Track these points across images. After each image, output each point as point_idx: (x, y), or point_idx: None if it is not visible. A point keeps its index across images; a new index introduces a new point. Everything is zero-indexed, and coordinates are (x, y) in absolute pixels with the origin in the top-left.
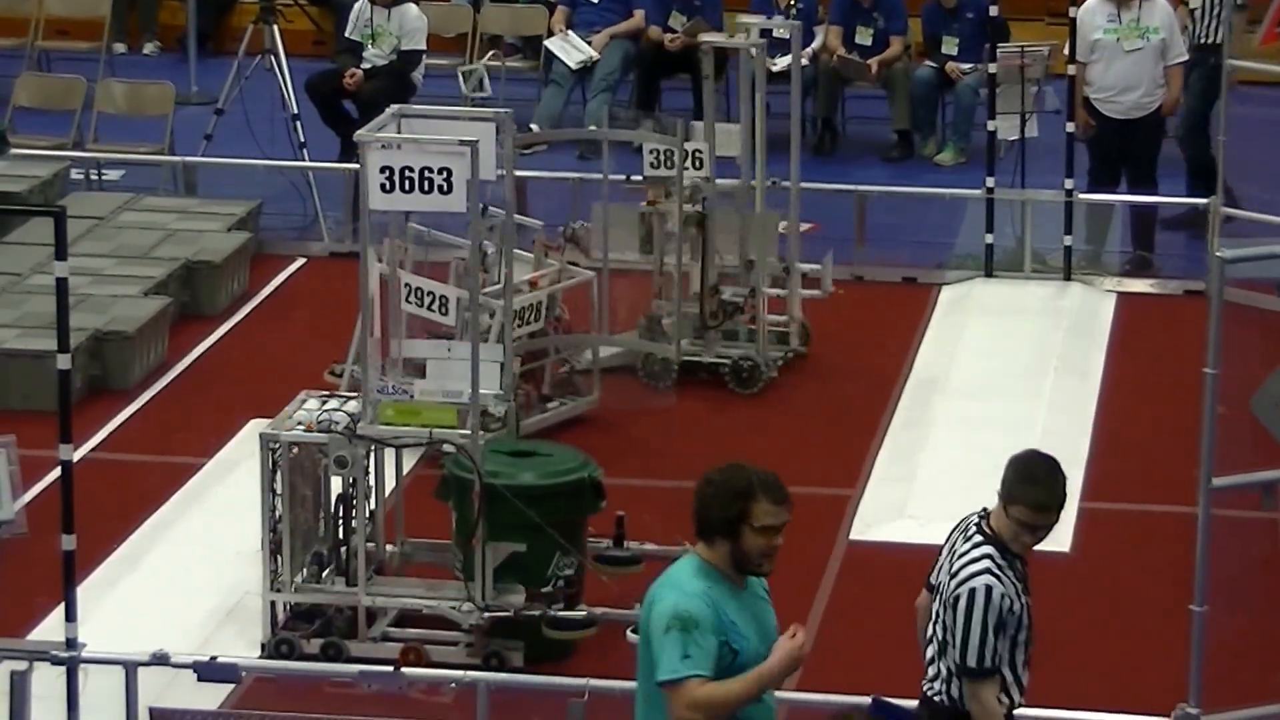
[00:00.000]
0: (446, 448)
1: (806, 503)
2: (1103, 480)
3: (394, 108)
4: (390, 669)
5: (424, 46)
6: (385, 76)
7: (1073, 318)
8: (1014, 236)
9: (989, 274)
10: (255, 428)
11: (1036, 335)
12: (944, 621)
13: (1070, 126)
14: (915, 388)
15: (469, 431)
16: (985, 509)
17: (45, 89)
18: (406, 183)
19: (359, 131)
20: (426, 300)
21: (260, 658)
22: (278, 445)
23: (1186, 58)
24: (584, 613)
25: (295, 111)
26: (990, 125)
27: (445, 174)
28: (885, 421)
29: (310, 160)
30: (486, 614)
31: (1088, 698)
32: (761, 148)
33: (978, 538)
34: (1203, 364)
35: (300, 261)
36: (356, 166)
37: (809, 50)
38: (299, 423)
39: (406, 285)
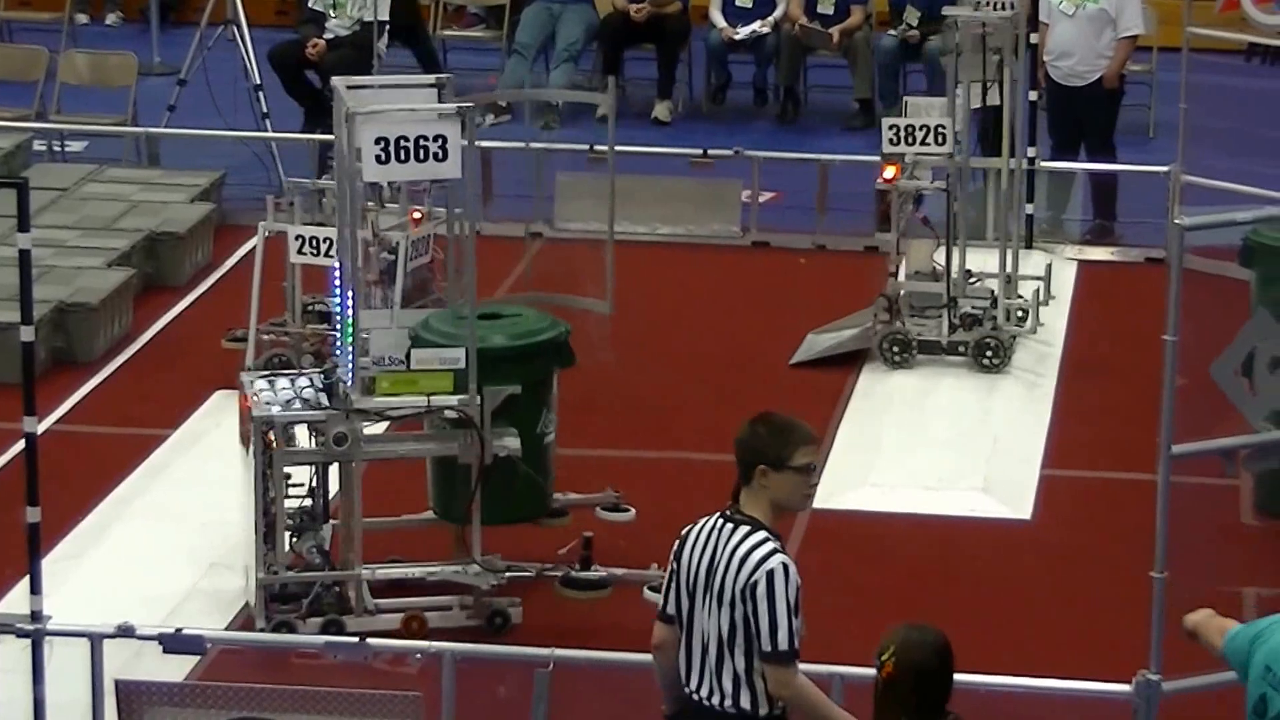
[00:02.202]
0: (448, 414)
1: None
2: (1063, 448)
3: (337, 81)
4: (355, 639)
5: (387, 17)
6: (348, 47)
7: (1033, 285)
8: (976, 205)
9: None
10: (220, 399)
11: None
12: (734, 619)
13: (1032, 95)
14: (878, 356)
15: (467, 395)
16: (726, 511)
17: (7, 60)
18: (402, 152)
19: (350, 107)
20: (322, 247)
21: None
22: (273, 427)
23: (1139, 30)
24: (601, 573)
25: (258, 82)
26: None
27: (440, 141)
28: (849, 390)
29: (273, 130)
30: (508, 574)
31: (1049, 665)
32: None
33: (744, 529)
34: (1163, 331)
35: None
36: (321, 137)
37: (771, 19)
38: (267, 404)
39: (298, 237)
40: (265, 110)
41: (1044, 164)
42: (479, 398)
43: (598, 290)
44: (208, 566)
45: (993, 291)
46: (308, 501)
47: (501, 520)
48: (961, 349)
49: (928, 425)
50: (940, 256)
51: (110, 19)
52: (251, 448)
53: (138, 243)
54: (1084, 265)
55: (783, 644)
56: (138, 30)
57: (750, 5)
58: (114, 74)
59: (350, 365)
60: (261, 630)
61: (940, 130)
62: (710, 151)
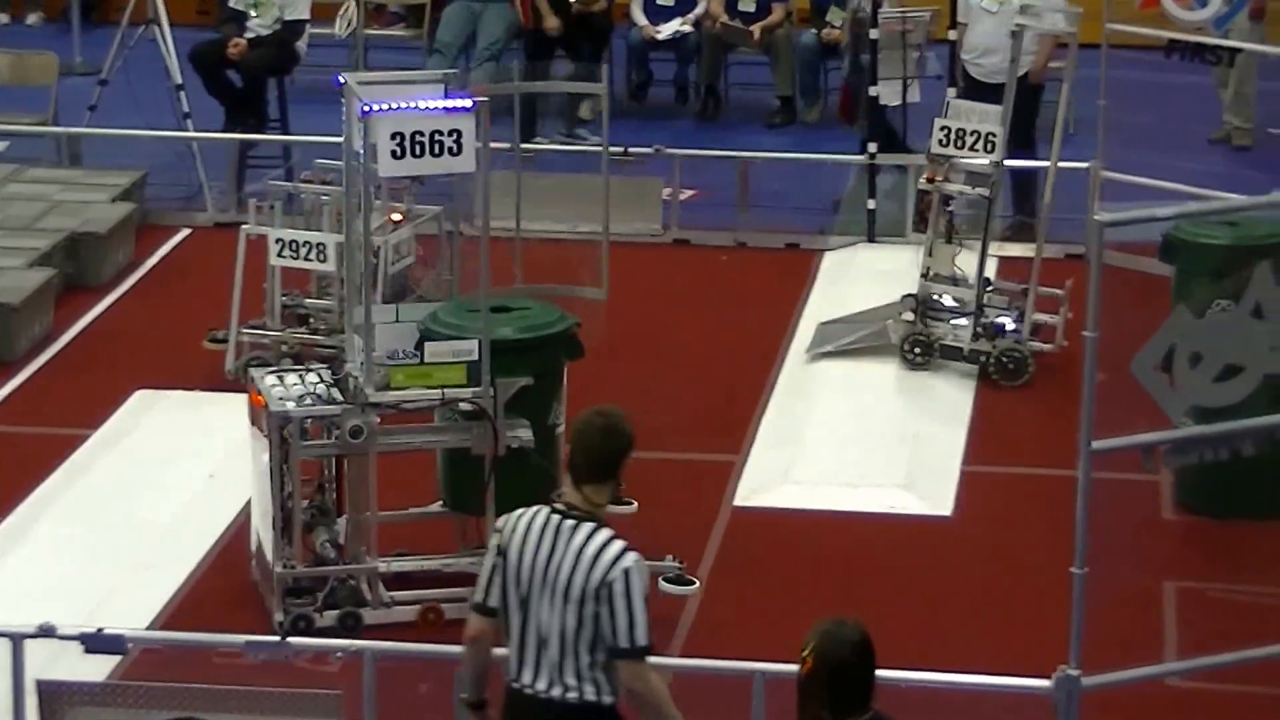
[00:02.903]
0: (463, 405)
1: (691, 469)
2: (984, 443)
3: (351, 77)
4: (276, 638)
5: (307, 16)
6: (269, 46)
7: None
8: (897, 202)
9: (871, 239)
10: (142, 399)
11: None
12: (583, 616)
13: (951, 92)
14: (799, 353)
15: (480, 388)
16: (557, 505)
17: None
18: (417, 147)
19: (365, 103)
20: (302, 251)
21: (282, 637)
22: (290, 422)
23: (1060, 27)
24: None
25: (179, 81)
26: (872, 91)
27: (455, 136)
28: (769, 387)
29: (195, 130)
30: None
31: (969, 661)
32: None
33: (588, 526)
34: (1084, 327)
35: (185, 232)
36: (241, 136)
37: (692, 17)
38: (280, 399)
39: (279, 240)
40: (186, 110)
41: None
42: (493, 389)
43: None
44: (129, 566)
45: (1020, 306)
46: (309, 498)
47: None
48: (983, 358)
49: (849, 421)
50: (961, 261)
51: (31, 19)
52: (267, 442)
53: (59, 243)
54: (1004, 261)
55: (640, 640)
56: (59, 30)
57: (671, 3)
58: (35, 74)
59: (361, 360)
60: (280, 624)
61: (991, 137)
62: (631, 149)
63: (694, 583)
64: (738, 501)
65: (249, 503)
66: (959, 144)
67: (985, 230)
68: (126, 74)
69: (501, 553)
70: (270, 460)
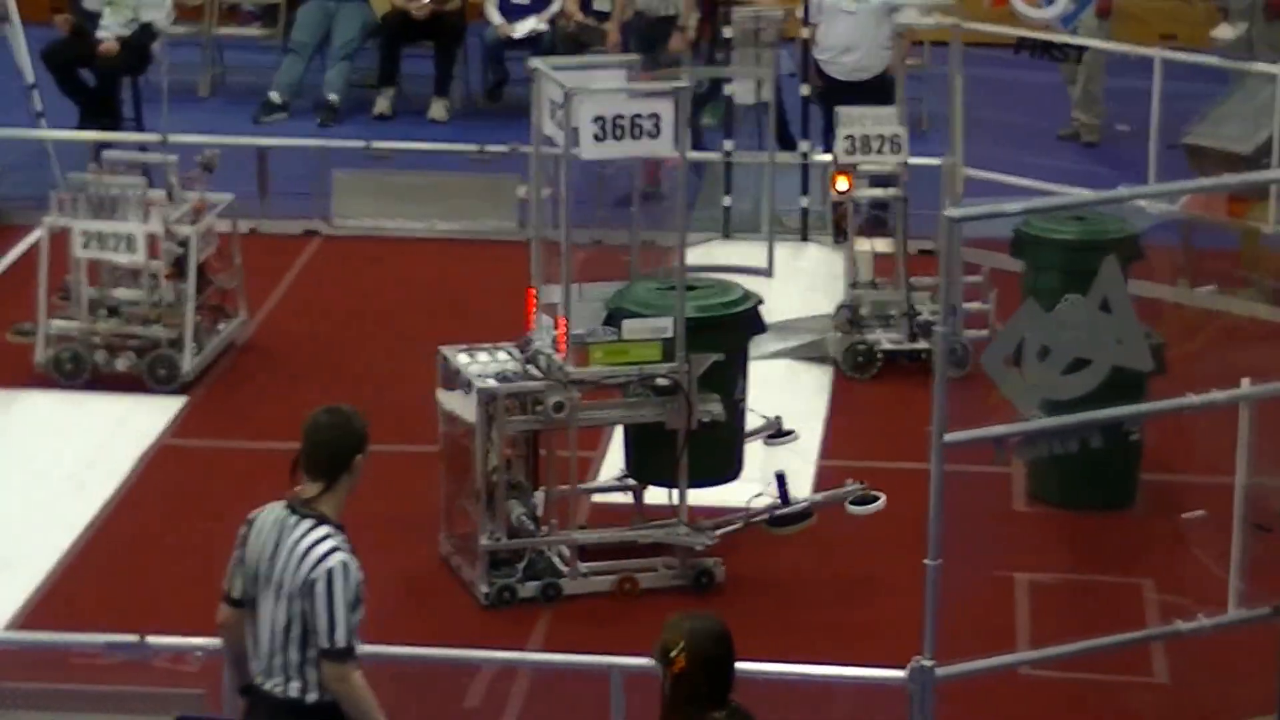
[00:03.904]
0: (659, 381)
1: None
2: (839, 437)
3: (541, 62)
4: (135, 638)
5: (163, 17)
6: (124, 46)
7: (810, 278)
8: (752, 198)
9: (727, 235)
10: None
11: (773, 295)
12: (292, 613)
13: (805, 89)
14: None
15: (676, 365)
16: (291, 502)
17: None
18: (618, 130)
19: (567, 85)
20: (109, 243)
21: (485, 607)
22: (496, 399)
23: (916, 23)
24: (803, 503)
25: (32, 80)
26: (726, 89)
27: (654, 119)
28: None
29: (48, 129)
30: (717, 532)
31: (824, 652)
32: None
33: (309, 523)
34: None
35: (39, 232)
36: (96, 135)
37: (547, 15)
38: (479, 376)
39: (84, 233)
40: (40, 109)
41: (817, 157)
42: (687, 365)
43: None
44: None
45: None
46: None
47: (702, 482)
48: (923, 356)
49: None
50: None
51: None
52: (476, 418)
53: None
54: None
55: (340, 641)
56: None
57: (527, 1)
58: None
59: (554, 338)
60: (485, 596)
61: (895, 140)
62: (487, 148)
63: (879, 498)
64: (596, 499)
65: (107, 502)
66: (865, 150)
67: (903, 230)
68: None
69: (243, 545)
70: (478, 435)
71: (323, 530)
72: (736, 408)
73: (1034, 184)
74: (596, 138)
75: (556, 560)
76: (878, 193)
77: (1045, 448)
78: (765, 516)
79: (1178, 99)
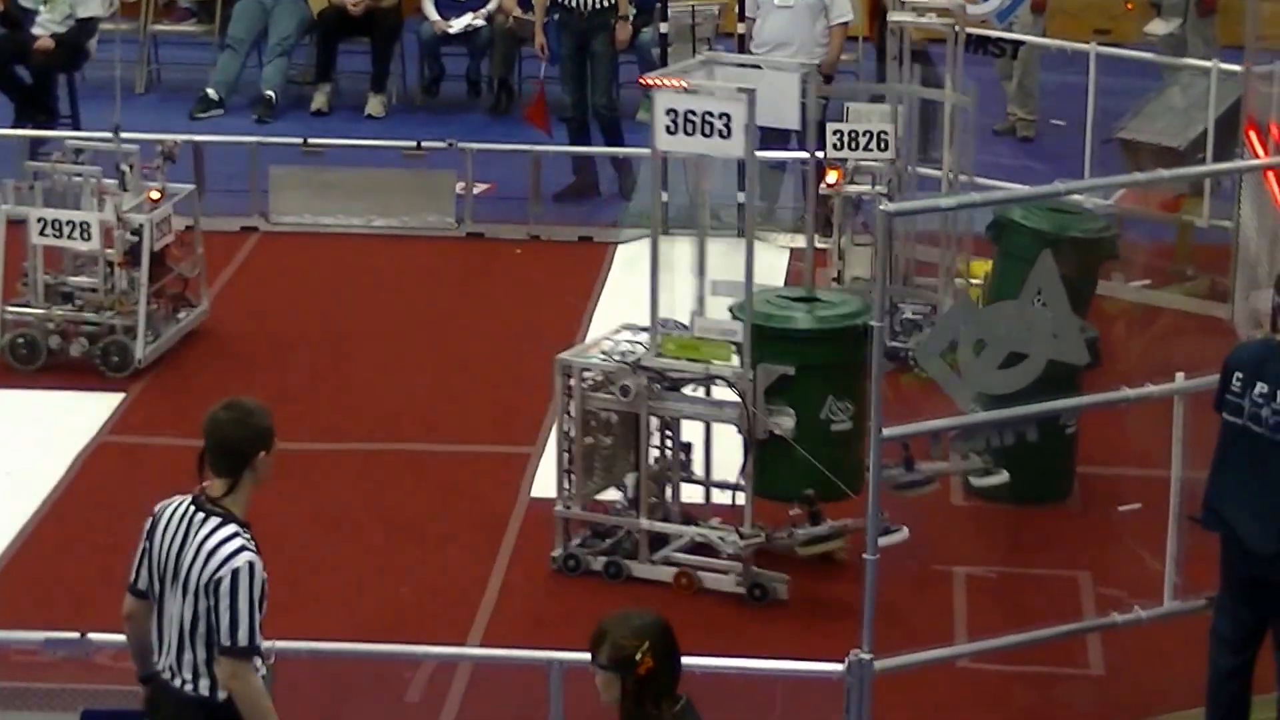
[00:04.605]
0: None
1: (486, 461)
2: None
3: (703, 55)
4: (77, 635)
5: (101, 13)
6: (60, 44)
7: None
8: (688, 194)
9: (665, 232)
10: None
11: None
12: (197, 610)
13: None
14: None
15: (740, 368)
16: (199, 497)
17: None
18: (689, 125)
19: (654, 73)
20: (65, 230)
21: (554, 571)
22: (572, 372)
23: (849, 18)
24: (828, 526)
25: None
26: None
27: (725, 119)
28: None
29: None
30: (743, 542)
31: (762, 646)
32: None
33: (215, 520)
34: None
35: None
36: (31, 133)
37: (484, 11)
38: (602, 352)
39: (40, 220)
40: None
41: (758, 153)
42: (753, 374)
43: None
44: None
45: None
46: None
47: (778, 496)
48: (903, 354)
49: None
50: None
51: None
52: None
53: None
54: (796, 252)
55: (242, 640)
56: None
57: None
58: None
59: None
60: (554, 557)
61: (883, 136)
62: (424, 143)
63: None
64: (534, 493)
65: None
66: (853, 145)
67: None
68: None
69: (149, 537)
70: (559, 404)
71: (230, 529)
72: (825, 428)
73: (976, 179)
74: (668, 129)
75: (643, 543)
76: (865, 188)
77: (982, 441)
78: (789, 535)
79: (1112, 94)
